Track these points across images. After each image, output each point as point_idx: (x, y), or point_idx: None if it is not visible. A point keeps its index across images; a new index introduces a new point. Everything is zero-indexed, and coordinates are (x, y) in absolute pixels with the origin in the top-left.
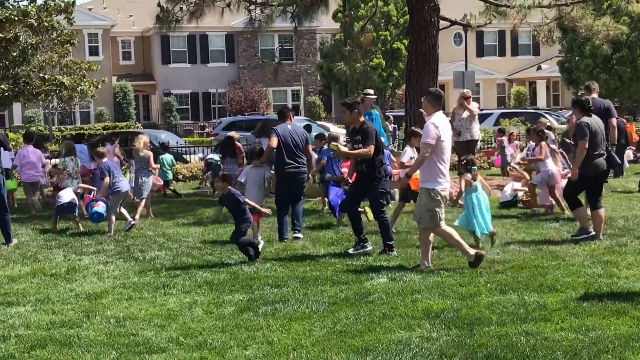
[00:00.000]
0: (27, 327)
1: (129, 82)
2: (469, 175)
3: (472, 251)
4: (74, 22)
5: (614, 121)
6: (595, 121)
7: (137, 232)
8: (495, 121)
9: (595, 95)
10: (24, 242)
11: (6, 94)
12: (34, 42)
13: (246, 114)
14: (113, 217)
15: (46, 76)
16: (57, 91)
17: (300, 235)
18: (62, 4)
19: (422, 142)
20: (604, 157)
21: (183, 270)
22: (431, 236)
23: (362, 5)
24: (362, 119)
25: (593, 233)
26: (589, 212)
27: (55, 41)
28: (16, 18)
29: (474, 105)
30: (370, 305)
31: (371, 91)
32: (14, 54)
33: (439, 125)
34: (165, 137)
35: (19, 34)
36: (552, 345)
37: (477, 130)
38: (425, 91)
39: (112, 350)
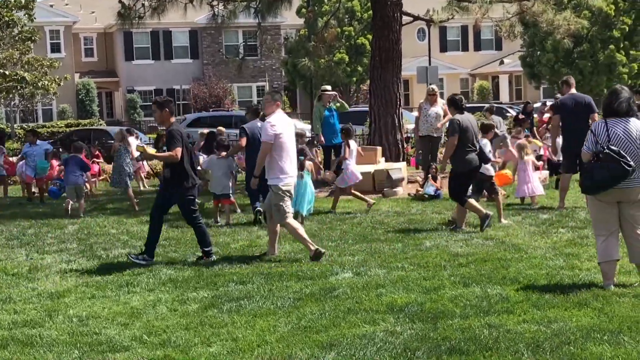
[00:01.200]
0: None
1: (92, 79)
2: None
3: (313, 247)
4: (35, 18)
5: (596, 116)
6: (467, 118)
7: (100, 230)
8: None
9: (573, 90)
10: None
11: None
12: None
13: (211, 110)
14: (82, 202)
15: (6, 72)
16: (18, 87)
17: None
18: (23, 1)
19: (262, 142)
20: (475, 152)
21: (146, 268)
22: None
23: (325, 0)
24: (172, 119)
25: (490, 214)
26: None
27: (16, 38)
28: None
29: (440, 103)
30: (335, 300)
31: (329, 87)
32: None
33: (275, 124)
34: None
35: None
36: (514, 338)
37: (442, 128)
38: (388, 86)
39: (74, 350)
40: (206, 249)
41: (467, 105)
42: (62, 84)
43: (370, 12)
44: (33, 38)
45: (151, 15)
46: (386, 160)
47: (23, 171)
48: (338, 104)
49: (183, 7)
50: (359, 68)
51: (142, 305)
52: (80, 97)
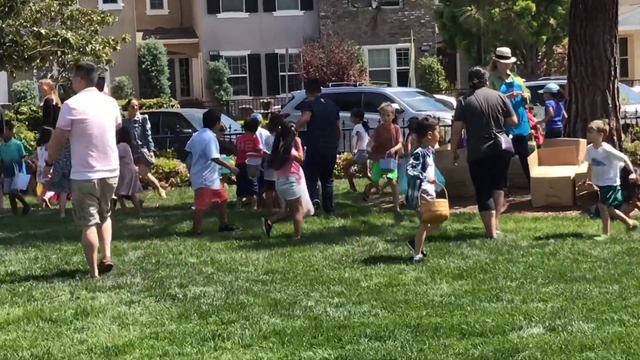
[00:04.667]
0: None
1: (161, 40)
2: None
3: (95, 272)
4: None
5: None
6: (482, 97)
7: (174, 257)
8: None
9: None
10: (12, 271)
11: None
12: None
13: (330, 84)
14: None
15: (42, 31)
16: (58, 53)
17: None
18: None
19: (56, 127)
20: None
21: (241, 313)
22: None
23: None
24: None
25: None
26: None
27: None
28: None
29: None
30: None
31: (507, 51)
32: None
33: (75, 107)
34: None
35: None
36: None
37: None
38: (597, 48)
39: None
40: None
41: None
42: (119, 47)
43: None
44: None
45: None
46: None
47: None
48: (522, 79)
49: None
50: (551, 21)
51: None
52: (144, 65)
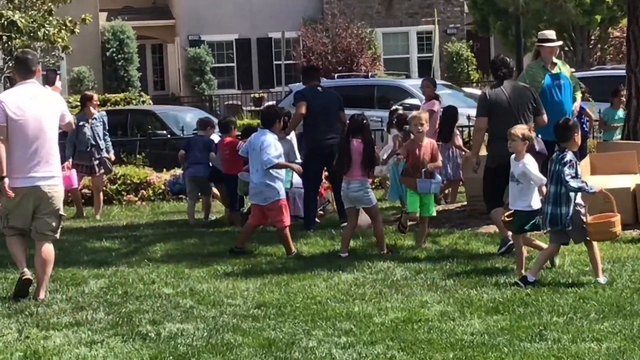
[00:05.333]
0: None
1: (129, 22)
2: None
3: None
4: None
5: None
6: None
7: (144, 287)
8: None
9: None
10: None
11: None
12: None
13: (336, 76)
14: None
15: None
16: (4, 39)
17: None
18: None
19: None
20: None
21: (227, 356)
22: None
23: None
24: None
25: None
26: None
27: None
28: None
29: None
30: None
31: (552, 34)
32: None
33: (3, 100)
34: (193, 119)
35: None
36: None
37: None
38: None
39: None
40: None
41: None
42: (77, 30)
43: None
44: None
45: None
46: None
47: None
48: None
49: None
50: None
51: None
52: (108, 53)
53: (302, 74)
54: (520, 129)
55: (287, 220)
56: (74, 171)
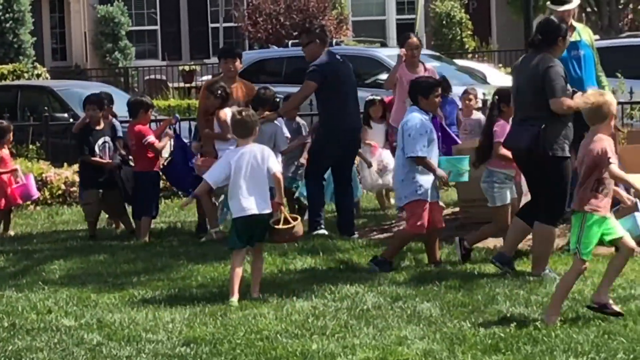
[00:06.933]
0: None
1: None
2: None
3: None
4: None
5: None
6: None
7: (38, 318)
8: None
9: None
10: None
11: None
12: None
13: (290, 43)
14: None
15: None
16: None
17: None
18: None
19: None
20: None
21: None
22: None
23: None
24: None
25: None
26: None
27: None
28: None
29: None
30: None
31: None
32: None
33: None
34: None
35: None
36: None
37: None
38: None
39: None
40: None
41: None
42: None
43: None
44: None
45: None
46: None
47: None
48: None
49: None
50: None
51: None
52: None
53: (303, 32)
54: None
55: (418, 227)
56: (31, 177)
